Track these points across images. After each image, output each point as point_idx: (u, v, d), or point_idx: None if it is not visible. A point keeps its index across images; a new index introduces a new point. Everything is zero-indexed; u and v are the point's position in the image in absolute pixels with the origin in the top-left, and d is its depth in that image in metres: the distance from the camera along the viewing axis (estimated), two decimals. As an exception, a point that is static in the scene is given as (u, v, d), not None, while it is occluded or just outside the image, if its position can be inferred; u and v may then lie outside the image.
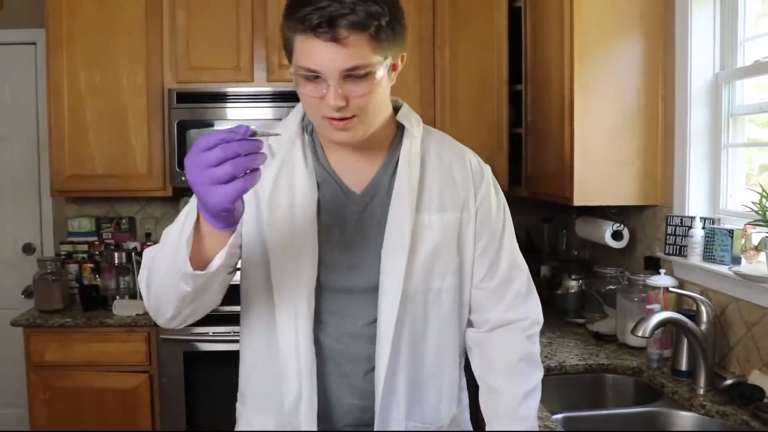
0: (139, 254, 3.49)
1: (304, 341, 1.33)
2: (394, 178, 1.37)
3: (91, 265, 3.52)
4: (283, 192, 1.34)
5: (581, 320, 2.82)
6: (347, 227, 1.37)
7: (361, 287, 1.36)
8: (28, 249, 3.98)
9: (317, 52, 1.18)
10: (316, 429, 1.34)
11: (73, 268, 3.54)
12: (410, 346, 1.38)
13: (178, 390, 3.13)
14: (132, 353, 3.16)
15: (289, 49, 1.26)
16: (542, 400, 1.50)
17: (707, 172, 2.48)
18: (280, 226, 1.32)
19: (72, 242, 3.68)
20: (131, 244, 3.65)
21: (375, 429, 1.36)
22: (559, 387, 2.25)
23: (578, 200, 2.59)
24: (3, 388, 3.90)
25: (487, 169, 1.49)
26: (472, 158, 1.47)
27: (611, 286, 2.71)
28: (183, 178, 3.39)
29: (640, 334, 1.91)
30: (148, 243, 3.65)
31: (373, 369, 1.36)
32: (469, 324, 1.50)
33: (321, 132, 1.33)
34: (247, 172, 1.05)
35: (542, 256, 3.41)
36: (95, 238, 3.70)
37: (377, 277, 1.34)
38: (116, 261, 3.42)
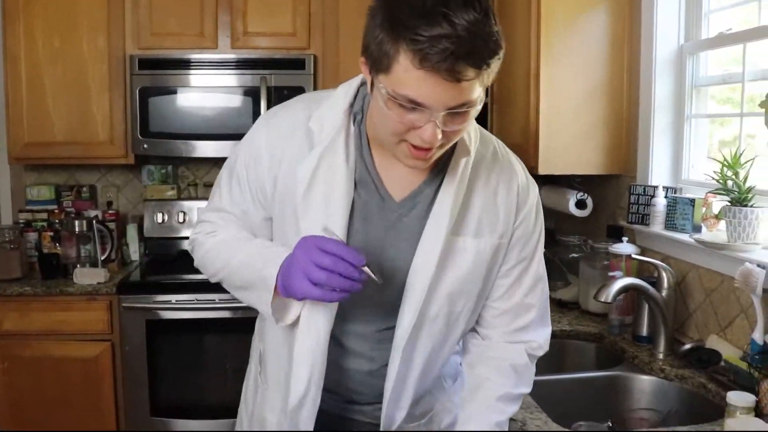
0: (101, 222, 3.44)
1: (320, 346, 1.29)
2: (437, 193, 1.28)
3: (51, 234, 3.45)
4: (319, 186, 1.26)
5: (544, 289, 2.84)
6: (378, 233, 1.30)
7: (383, 300, 1.32)
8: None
9: (432, 88, 1.06)
10: (312, 429, 1.34)
11: (32, 236, 3.47)
12: (423, 360, 1.35)
13: (140, 358, 3.10)
14: (93, 322, 3.12)
15: (379, 59, 1.09)
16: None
17: (670, 142, 2.51)
18: (312, 221, 1.26)
19: (31, 210, 3.60)
20: (92, 213, 3.58)
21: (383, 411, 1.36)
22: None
23: (543, 169, 2.61)
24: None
25: (534, 190, 1.39)
26: (521, 179, 1.37)
27: (574, 255, 2.74)
28: (145, 146, 3.34)
29: (602, 300, 1.94)
30: (111, 211, 3.59)
31: (383, 366, 1.35)
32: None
33: (391, 151, 1.21)
34: (334, 289, 1.15)
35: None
36: (55, 207, 3.63)
37: (401, 291, 1.30)
38: (77, 229, 3.36)
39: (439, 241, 1.26)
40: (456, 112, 1.10)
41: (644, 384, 2.03)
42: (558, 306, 2.65)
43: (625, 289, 2.03)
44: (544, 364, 2.27)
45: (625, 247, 2.36)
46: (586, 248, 2.68)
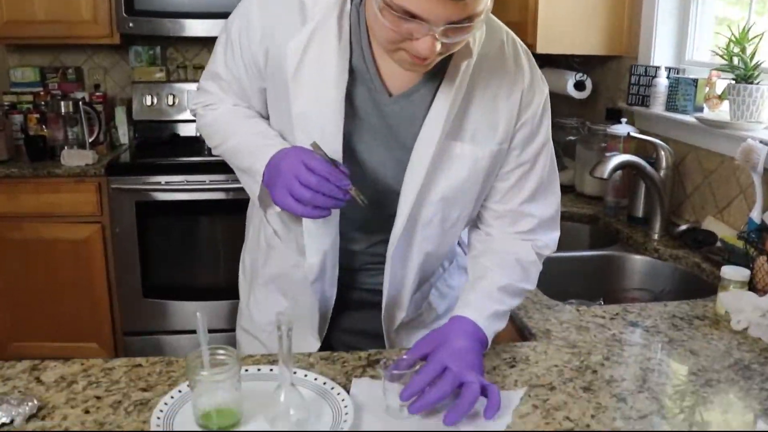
0: (88, 104, 3.35)
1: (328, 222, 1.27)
2: (435, 94, 1.19)
3: (37, 116, 3.36)
4: (311, 67, 1.17)
5: (540, 173, 2.80)
6: (371, 135, 1.23)
7: (377, 211, 1.26)
8: (-29, 102, 3.80)
9: (432, 1, 0.97)
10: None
11: (17, 118, 3.38)
12: (418, 266, 1.32)
13: (131, 240, 3.08)
14: (83, 204, 3.08)
15: None
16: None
17: (675, 22, 2.41)
18: (304, 104, 1.19)
19: (15, 93, 3.51)
20: (79, 95, 3.49)
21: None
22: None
23: (541, 48, 2.52)
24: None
25: (540, 93, 1.27)
26: (526, 81, 1.24)
27: (571, 137, 2.68)
28: (131, 24, 3.21)
29: (598, 176, 1.90)
30: (98, 93, 3.50)
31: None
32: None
33: (391, 56, 1.11)
34: (315, 206, 1.10)
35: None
36: (40, 89, 3.54)
37: (395, 200, 1.25)
38: (63, 110, 3.27)
39: (431, 145, 1.19)
40: (458, 27, 1.01)
41: (637, 264, 2.02)
42: (553, 189, 2.62)
43: (622, 166, 1.98)
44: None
45: (623, 128, 2.30)
46: (584, 130, 2.62)
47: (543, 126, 1.29)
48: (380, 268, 1.32)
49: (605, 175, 1.89)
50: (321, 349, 1.37)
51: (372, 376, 1.16)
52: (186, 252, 3.13)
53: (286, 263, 1.38)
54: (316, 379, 1.10)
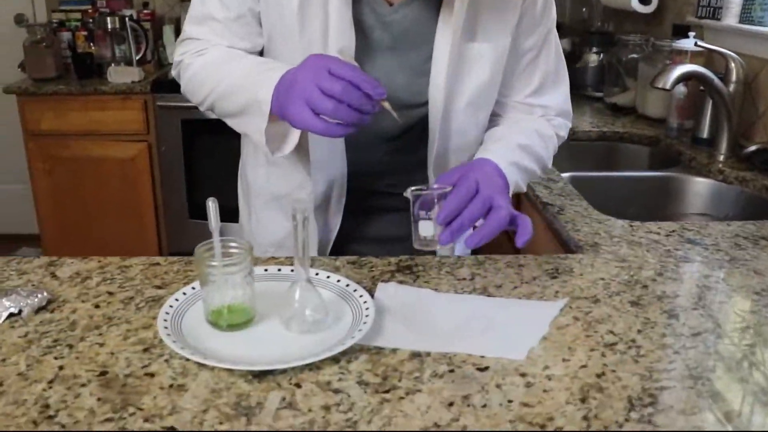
0: (135, 21, 3.29)
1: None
2: None
3: (85, 33, 3.34)
4: None
5: (599, 94, 2.65)
6: (379, 44, 1.16)
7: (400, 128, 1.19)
8: (20, 20, 3.78)
9: None
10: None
11: (65, 36, 3.36)
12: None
13: (177, 159, 3.06)
14: (129, 122, 3.07)
15: None
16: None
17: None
18: (314, 28, 1.12)
19: (64, 10, 3.48)
20: (127, 12, 3.44)
21: None
22: (567, 153, 2.13)
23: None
24: (6, 163, 3.84)
25: None
26: None
27: (634, 55, 2.50)
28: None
29: (660, 85, 1.74)
30: (146, 11, 3.44)
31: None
32: None
33: None
34: (338, 120, 0.95)
35: (563, 30, 3.17)
36: (89, 7, 3.50)
37: (418, 115, 1.19)
38: (109, 26, 3.23)
39: (448, 50, 1.13)
40: None
41: (700, 186, 1.87)
42: (612, 110, 2.47)
43: (687, 77, 1.81)
44: (590, 166, 2.15)
45: (690, 42, 2.12)
46: (647, 47, 2.44)
47: (546, 12, 1.23)
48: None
49: (668, 86, 1.74)
50: None
51: (400, 281, 1.08)
52: (232, 172, 3.08)
53: (291, 183, 1.29)
54: (339, 281, 1.02)
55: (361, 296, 0.98)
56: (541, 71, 1.26)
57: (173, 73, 1.29)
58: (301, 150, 1.20)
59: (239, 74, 1.13)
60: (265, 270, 1.07)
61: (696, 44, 1.97)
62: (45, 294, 1.00)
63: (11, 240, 3.74)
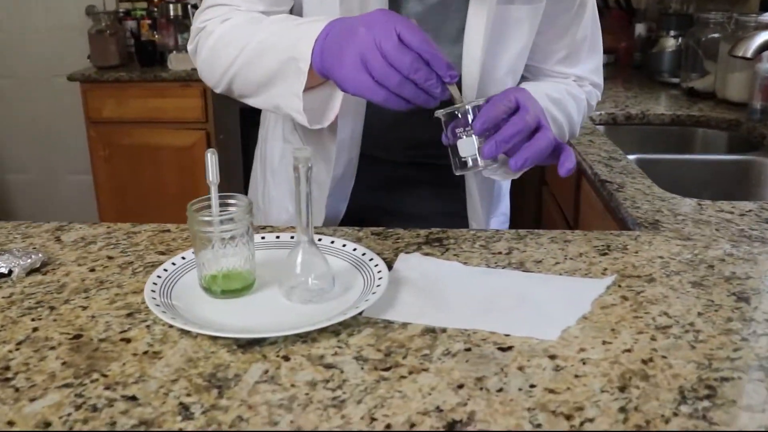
0: (196, 7, 3.27)
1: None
2: None
3: (149, 22, 3.34)
4: None
5: (675, 80, 2.46)
6: (416, 9, 1.06)
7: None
8: (90, 11, 3.82)
9: None
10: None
11: (130, 24, 3.37)
12: None
13: (235, 148, 3.01)
14: (188, 109, 3.04)
15: None
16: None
17: None
18: None
19: (131, 0, 3.50)
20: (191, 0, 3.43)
21: None
22: (635, 136, 1.97)
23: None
24: (68, 151, 3.87)
25: None
26: None
27: (715, 35, 2.30)
28: None
29: (740, 54, 1.56)
30: None
31: None
32: None
33: None
34: (400, 95, 0.80)
35: (638, 14, 2.98)
36: (155, -4, 3.51)
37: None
38: (172, 13, 3.22)
39: (484, 11, 1.01)
40: None
41: (784, 172, 1.69)
42: (688, 95, 2.28)
43: (773, 47, 1.63)
44: (661, 148, 1.98)
45: (779, 16, 1.93)
46: (730, 25, 2.24)
47: None
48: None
49: (749, 54, 1.56)
50: None
51: (426, 254, 0.96)
52: (288, 161, 3.02)
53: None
54: (355, 249, 0.91)
55: (376, 265, 0.86)
56: (576, 36, 1.15)
57: (189, 47, 1.09)
58: (330, 126, 1.03)
59: (269, 32, 0.96)
60: (263, 238, 0.97)
61: (784, 14, 1.78)
62: (39, 255, 0.93)
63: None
